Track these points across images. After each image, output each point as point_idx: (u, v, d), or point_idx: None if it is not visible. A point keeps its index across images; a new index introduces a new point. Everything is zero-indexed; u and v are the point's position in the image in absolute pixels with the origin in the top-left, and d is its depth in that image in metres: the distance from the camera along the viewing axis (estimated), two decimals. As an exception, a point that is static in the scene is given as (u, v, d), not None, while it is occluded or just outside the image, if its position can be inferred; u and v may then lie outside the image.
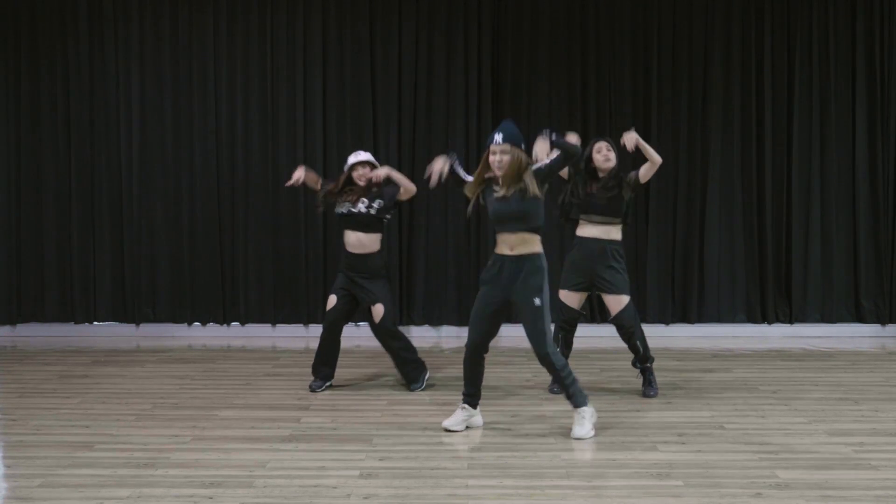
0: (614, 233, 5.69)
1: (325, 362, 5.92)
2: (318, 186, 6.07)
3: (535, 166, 4.75)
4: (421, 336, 7.93)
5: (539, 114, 8.07)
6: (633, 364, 5.84)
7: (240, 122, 8.15)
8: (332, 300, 5.90)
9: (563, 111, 8.12)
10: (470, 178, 4.96)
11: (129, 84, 8.14)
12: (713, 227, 8.16)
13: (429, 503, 3.84)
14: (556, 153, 4.76)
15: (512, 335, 7.04)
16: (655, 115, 8.05)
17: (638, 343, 5.69)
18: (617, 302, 5.65)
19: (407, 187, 5.88)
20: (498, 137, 4.73)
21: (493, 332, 4.94)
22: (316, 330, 7.03)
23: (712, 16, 8.13)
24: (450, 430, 4.92)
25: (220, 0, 8.10)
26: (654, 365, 5.93)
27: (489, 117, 8.06)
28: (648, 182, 5.91)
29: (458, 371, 5.90)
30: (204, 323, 8.23)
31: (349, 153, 8.03)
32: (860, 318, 8.21)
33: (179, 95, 8.14)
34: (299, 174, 5.97)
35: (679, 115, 8.15)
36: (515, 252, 4.76)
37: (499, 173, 4.77)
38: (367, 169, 5.86)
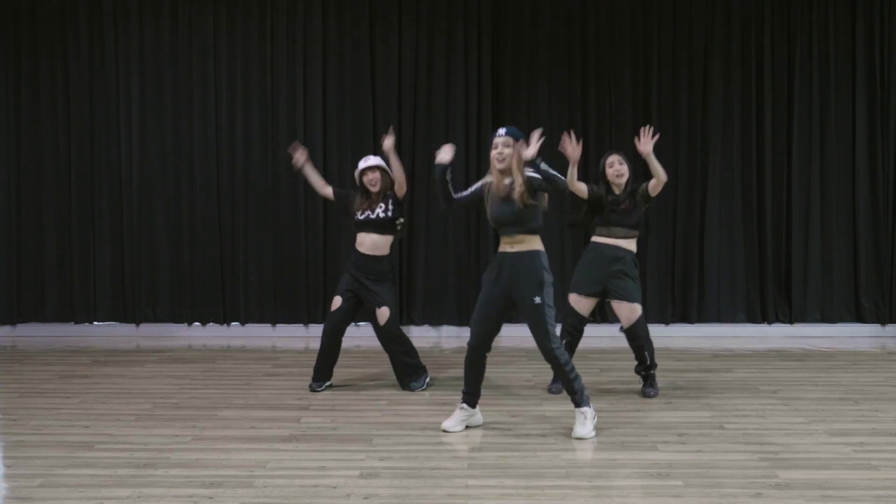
0: (631, 244, 5.70)
1: (326, 365, 5.93)
2: (320, 184, 6.11)
3: (528, 172, 4.74)
4: (421, 336, 7.93)
5: (539, 114, 8.06)
6: (637, 371, 5.81)
7: (240, 123, 8.15)
8: (337, 302, 5.89)
9: (563, 111, 8.13)
10: (458, 196, 4.96)
11: (129, 84, 8.15)
12: (713, 227, 8.16)
13: (429, 503, 3.84)
14: (546, 171, 4.73)
15: (512, 335, 7.05)
16: (655, 115, 8.04)
17: (647, 354, 5.69)
18: (631, 311, 5.62)
19: (398, 178, 5.86)
20: (501, 131, 4.85)
21: (495, 330, 4.95)
22: (316, 330, 7.03)
23: (712, 16, 8.13)
24: (448, 432, 4.92)
25: (220, 0, 8.11)
26: (655, 365, 5.94)
27: (489, 117, 8.06)
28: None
29: (458, 371, 5.90)
30: (204, 323, 8.23)
31: (349, 153, 8.11)
32: (860, 318, 8.21)
33: (179, 95, 8.14)
34: (301, 156, 6.03)
35: (679, 116, 8.15)
36: (515, 249, 4.81)
37: (499, 167, 4.78)
38: (377, 174, 5.87)
